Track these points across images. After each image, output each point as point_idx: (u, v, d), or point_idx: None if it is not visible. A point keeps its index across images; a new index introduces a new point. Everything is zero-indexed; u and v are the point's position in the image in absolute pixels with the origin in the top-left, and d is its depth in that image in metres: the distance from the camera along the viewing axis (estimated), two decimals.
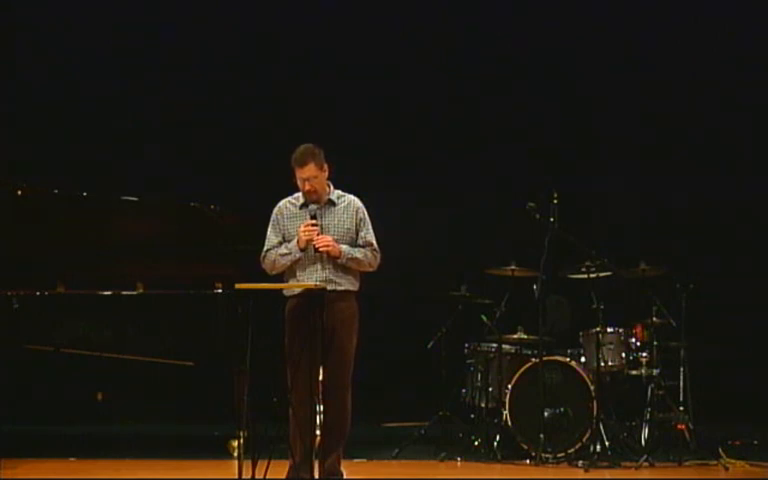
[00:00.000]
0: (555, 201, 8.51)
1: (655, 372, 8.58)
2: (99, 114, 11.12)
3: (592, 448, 8.30)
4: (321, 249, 6.88)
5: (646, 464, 8.08)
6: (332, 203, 7.04)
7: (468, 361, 9.11)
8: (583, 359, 8.76)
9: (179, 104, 11.07)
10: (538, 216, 8.49)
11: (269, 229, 7.08)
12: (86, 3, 11.18)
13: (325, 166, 7.01)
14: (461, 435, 8.91)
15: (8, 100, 11.04)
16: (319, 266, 6.93)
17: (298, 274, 6.98)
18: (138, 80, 11.18)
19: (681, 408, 8.56)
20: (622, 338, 8.75)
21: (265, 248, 7.06)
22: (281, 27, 11.14)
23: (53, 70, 11.20)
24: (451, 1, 11.16)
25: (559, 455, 8.32)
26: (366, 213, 7.08)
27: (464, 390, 9.10)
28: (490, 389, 8.89)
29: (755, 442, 9.04)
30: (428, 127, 11.16)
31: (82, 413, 10.86)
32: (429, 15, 11.08)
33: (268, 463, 6.84)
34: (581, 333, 8.88)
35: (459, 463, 8.54)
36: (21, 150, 10.69)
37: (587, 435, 8.36)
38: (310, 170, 6.93)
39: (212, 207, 8.83)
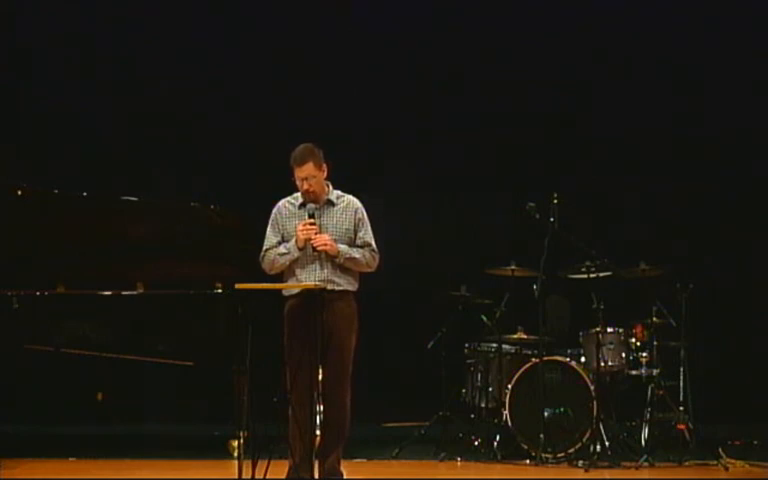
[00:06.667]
0: (555, 201, 8.52)
1: (655, 372, 8.59)
2: (99, 114, 11.11)
3: (592, 448, 8.29)
4: (319, 248, 6.87)
5: (646, 464, 8.08)
6: (331, 203, 7.03)
7: (468, 361, 9.11)
8: (583, 359, 8.76)
9: (179, 104, 11.06)
10: (538, 216, 8.50)
11: (268, 229, 7.07)
12: (86, 3, 11.17)
13: (324, 166, 6.99)
14: (461, 435, 8.91)
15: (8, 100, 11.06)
16: (318, 266, 6.92)
17: (297, 274, 6.96)
18: (138, 80, 11.18)
19: (681, 408, 8.56)
20: (622, 338, 8.75)
21: (264, 248, 7.05)
22: (281, 27, 11.14)
23: (52, 69, 11.20)
24: (452, 1, 11.16)
25: (559, 455, 8.31)
26: (365, 214, 7.06)
27: (464, 390, 9.10)
28: (490, 389, 8.89)
29: (755, 442, 9.02)
30: (428, 127, 11.15)
31: (82, 413, 10.85)
32: (429, 15, 11.07)
33: (268, 463, 6.83)
34: (581, 333, 8.87)
35: (459, 463, 8.53)
36: (21, 150, 10.70)
37: (587, 435, 8.35)
38: (308, 169, 6.92)
39: (212, 207, 8.83)
